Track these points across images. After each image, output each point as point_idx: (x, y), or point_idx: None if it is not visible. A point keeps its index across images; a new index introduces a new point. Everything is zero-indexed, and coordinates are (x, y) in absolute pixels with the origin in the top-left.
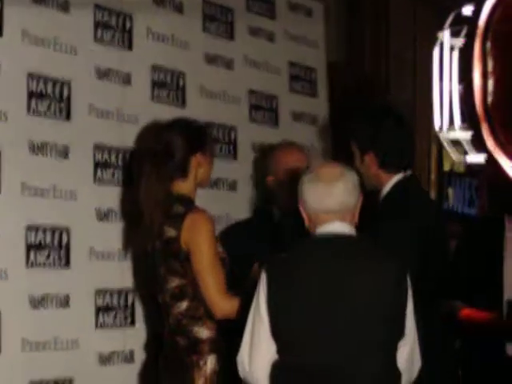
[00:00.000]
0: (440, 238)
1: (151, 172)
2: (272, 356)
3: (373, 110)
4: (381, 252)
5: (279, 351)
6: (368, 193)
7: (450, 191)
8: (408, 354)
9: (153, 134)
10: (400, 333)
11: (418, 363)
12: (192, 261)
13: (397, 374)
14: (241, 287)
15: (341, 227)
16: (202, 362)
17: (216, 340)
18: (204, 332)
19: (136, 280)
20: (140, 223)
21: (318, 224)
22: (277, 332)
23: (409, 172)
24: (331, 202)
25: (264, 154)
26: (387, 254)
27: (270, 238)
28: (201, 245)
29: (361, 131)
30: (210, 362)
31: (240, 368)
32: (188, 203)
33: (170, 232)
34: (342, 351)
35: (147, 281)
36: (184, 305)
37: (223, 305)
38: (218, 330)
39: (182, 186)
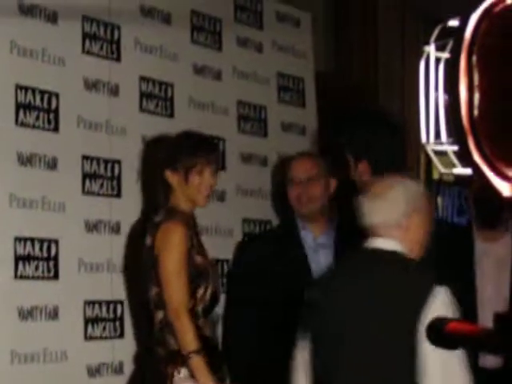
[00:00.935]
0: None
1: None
2: None
3: (368, 117)
4: (420, 271)
5: None
6: None
7: (440, 200)
8: None
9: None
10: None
11: None
12: (158, 267)
13: None
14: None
15: (382, 243)
16: (176, 372)
17: None
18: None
19: (125, 291)
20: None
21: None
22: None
23: None
24: (373, 218)
25: (282, 164)
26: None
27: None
28: (166, 252)
29: (356, 139)
30: (183, 373)
31: None
32: (170, 213)
33: (148, 240)
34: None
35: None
36: (160, 314)
37: (183, 316)
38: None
39: (174, 199)
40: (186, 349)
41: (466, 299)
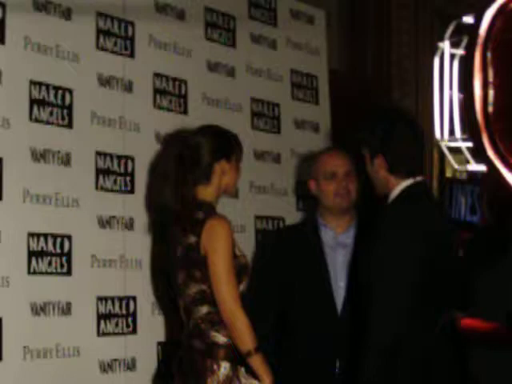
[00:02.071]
0: (448, 247)
1: (177, 176)
2: None
3: (385, 112)
4: None
5: None
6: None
7: (453, 198)
8: None
9: (180, 139)
10: None
11: None
12: (209, 266)
13: None
14: None
15: None
16: (215, 367)
17: (231, 347)
18: (221, 337)
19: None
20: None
21: None
22: None
23: (419, 178)
24: None
25: (308, 159)
26: None
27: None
28: (217, 250)
29: (372, 134)
30: (223, 368)
31: None
32: (208, 209)
33: (191, 239)
34: None
35: (166, 285)
36: (204, 309)
37: (240, 313)
38: None
39: (205, 192)
40: (247, 347)
41: None
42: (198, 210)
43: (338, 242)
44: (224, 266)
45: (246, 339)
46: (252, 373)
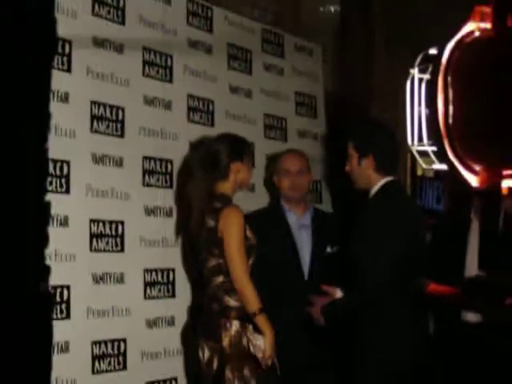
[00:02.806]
0: (419, 230)
1: (199, 175)
2: None
3: (371, 122)
4: None
5: None
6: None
7: (423, 191)
8: None
9: (202, 145)
10: None
11: None
12: (224, 245)
13: None
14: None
15: None
16: (228, 325)
17: (241, 309)
18: (232, 302)
19: (176, 261)
20: (185, 216)
21: None
22: None
23: (394, 177)
24: None
25: (272, 160)
26: None
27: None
28: (231, 234)
29: (362, 139)
30: (234, 325)
31: None
32: (225, 200)
33: (210, 223)
34: None
35: (192, 260)
36: (220, 279)
37: (247, 284)
38: None
39: (223, 187)
40: (253, 308)
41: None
42: (216, 200)
43: (301, 224)
44: (236, 246)
45: (252, 302)
46: (258, 330)
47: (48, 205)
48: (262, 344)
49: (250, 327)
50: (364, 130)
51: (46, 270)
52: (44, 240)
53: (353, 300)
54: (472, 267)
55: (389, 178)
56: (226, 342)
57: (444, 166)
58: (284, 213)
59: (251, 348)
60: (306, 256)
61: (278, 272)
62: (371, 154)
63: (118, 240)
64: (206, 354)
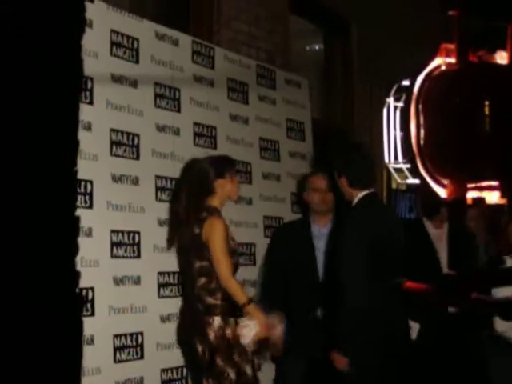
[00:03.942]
0: (395, 232)
1: (187, 192)
2: None
3: (346, 146)
4: None
5: None
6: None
7: (397, 202)
8: None
9: (191, 166)
10: None
11: None
12: (209, 250)
13: None
14: None
15: None
16: (211, 320)
17: (221, 306)
18: (213, 300)
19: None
20: (178, 226)
21: None
22: None
23: (372, 189)
24: None
25: (303, 179)
26: None
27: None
28: (215, 240)
29: (337, 161)
30: (216, 321)
31: None
32: (211, 211)
33: (196, 230)
34: None
35: (182, 264)
36: (203, 280)
37: (232, 281)
38: (224, 299)
39: (211, 200)
40: (242, 300)
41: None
42: (203, 211)
43: (321, 233)
44: (220, 250)
45: (240, 295)
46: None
47: (77, 219)
48: (246, 332)
49: (231, 320)
50: (340, 153)
51: (77, 275)
52: (75, 249)
53: (343, 331)
54: (444, 267)
55: (366, 192)
56: (211, 336)
57: (416, 181)
58: (309, 223)
59: (236, 337)
60: (321, 260)
61: (296, 274)
62: (344, 173)
63: (135, 247)
64: (199, 347)
